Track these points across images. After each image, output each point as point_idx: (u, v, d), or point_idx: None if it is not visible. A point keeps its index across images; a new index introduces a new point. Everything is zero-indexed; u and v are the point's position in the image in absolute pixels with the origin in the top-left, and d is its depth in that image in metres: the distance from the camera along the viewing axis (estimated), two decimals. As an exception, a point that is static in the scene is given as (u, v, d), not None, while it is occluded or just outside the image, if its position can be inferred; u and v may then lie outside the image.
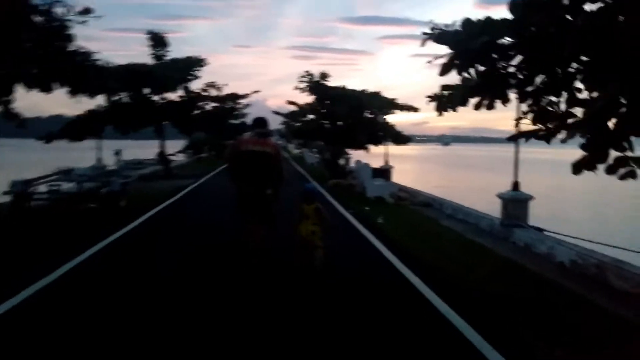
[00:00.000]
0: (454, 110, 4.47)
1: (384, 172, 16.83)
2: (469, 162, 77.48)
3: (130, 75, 18.03)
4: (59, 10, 9.87)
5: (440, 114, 4.56)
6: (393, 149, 23.24)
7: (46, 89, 10.33)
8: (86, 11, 10.16)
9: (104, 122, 18.85)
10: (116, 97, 19.16)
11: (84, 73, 10.57)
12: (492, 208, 10.32)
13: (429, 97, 4.59)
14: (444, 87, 4.45)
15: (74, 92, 11.48)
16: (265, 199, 5.69)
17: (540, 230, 8.68)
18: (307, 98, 25.37)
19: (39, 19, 9.67)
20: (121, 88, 18.77)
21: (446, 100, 4.45)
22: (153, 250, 7.30)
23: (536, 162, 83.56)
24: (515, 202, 8.96)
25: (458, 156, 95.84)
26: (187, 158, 39.21)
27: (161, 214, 10.61)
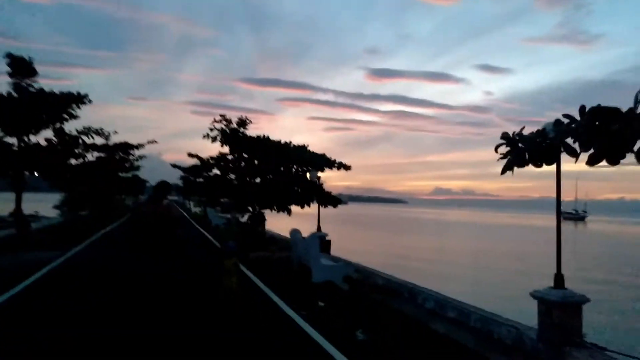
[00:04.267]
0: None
1: (326, 245, 13.32)
2: (381, 223, 77.64)
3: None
4: None
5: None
6: (299, 210, 19.81)
7: None
8: None
9: None
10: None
11: None
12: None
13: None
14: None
15: None
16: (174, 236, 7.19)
17: (602, 349, 5.78)
18: (217, 148, 21.44)
19: None
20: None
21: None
22: None
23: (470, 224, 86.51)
24: (565, 307, 6.00)
25: (364, 216, 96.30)
26: (62, 217, 32.25)
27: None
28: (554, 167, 5.66)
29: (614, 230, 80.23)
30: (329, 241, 13.47)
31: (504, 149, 4.74)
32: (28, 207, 31.62)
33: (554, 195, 5.62)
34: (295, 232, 11.34)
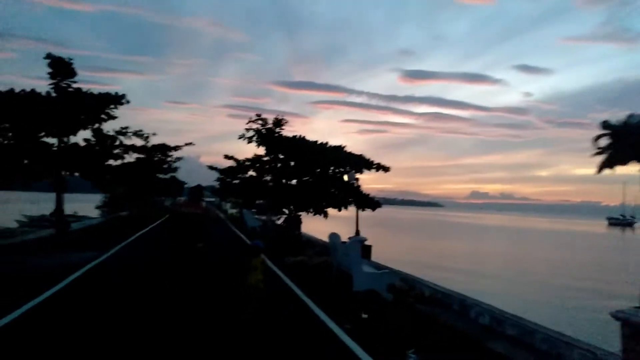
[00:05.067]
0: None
1: (366, 250, 12.63)
2: (417, 227, 76.03)
3: (12, 107, 13.01)
4: None
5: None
6: (335, 212, 19.07)
7: None
8: None
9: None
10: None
11: None
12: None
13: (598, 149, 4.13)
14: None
15: None
16: (196, 251, 7.27)
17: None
18: (253, 150, 21.15)
19: None
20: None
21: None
22: None
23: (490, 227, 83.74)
24: (657, 331, 5.14)
25: (399, 219, 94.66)
26: (102, 217, 32.89)
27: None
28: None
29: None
30: (370, 246, 12.77)
31: (602, 142, 3.96)
32: (71, 208, 32.41)
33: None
34: (334, 237, 10.72)
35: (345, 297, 8.68)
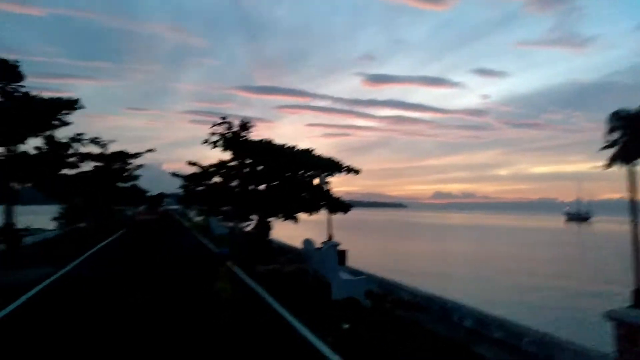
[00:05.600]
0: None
1: (342, 255, 12.16)
2: (384, 228, 76.45)
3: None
4: None
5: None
6: (305, 217, 18.61)
7: None
8: None
9: None
10: None
11: None
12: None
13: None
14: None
15: None
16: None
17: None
18: (218, 156, 20.50)
19: None
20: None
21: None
22: None
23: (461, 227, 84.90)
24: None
25: (366, 221, 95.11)
26: (60, 230, 31.10)
27: None
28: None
29: (620, 230, 78.88)
30: (344, 251, 12.37)
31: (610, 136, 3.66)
32: (25, 220, 30.51)
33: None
34: (308, 243, 10.27)
35: (324, 306, 8.24)
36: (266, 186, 17.62)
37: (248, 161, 17.47)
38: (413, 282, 11.50)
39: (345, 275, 8.87)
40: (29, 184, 17.16)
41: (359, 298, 8.51)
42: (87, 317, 7.31)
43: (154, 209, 8.49)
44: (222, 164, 23.43)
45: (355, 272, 10.18)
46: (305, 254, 10.27)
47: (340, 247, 12.46)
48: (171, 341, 6.05)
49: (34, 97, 14.48)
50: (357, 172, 17.56)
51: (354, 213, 18.04)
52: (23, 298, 8.78)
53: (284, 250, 17.30)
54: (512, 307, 15.07)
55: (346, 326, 7.01)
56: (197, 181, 38.94)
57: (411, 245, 42.71)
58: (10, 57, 14.87)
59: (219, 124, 17.27)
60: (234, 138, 17.27)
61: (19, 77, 14.79)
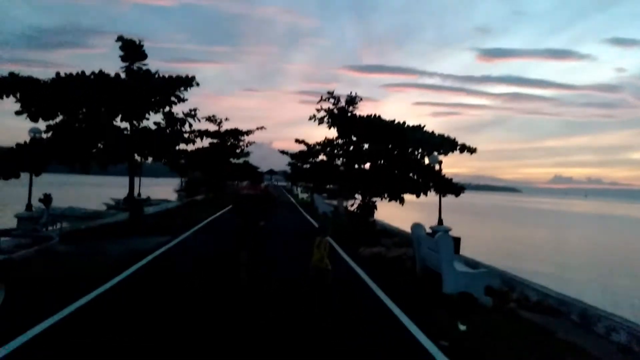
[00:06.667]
0: None
1: (455, 243, 11.00)
2: (498, 213, 71.80)
3: (86, 89, 12.88)
4: None
5: None
6: (412, 198, 17.30)
7: None
8: None
9: (45, 155, 13.40)
10: (60, 120, 13.87)
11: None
12: None
13: None
14: None
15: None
16: (258, 228, 7.60)
17: None
18: (324, 133, 20.06)
19: None
20: (73, 107, 13.63)
21: None
22: None
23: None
24: None
25: (476, 205, 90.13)
26: (179, 201, 33.71)
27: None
28: None
29: None
30: (458, 238, 11.17)
31: None
32: (152, 192, 33.58)
33: None
34: (418, 228, 9.32)
35: (434, 301, 7.32)
36: (371, 165, 16.85)
37: (354, 139, 16.79)
38: (533, 278, 9.99)
39: (461, 267, 7.82)
40: (152, 158, 18.32)
41: (476, 294, 7.43)
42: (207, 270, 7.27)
43: (256, 186, 8.54)
44: (328, 142, 23.13)
45: (471, 264, 9.04)
46: (415, 240, 9.34)
47: (452, 234, 11.29)
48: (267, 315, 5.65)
49: (154, 75, 15.28)
50: (473, 150, 16.01)
51: (462, 196, 16.53)
52: (134, 267, 9.16)
53: (388, 232, 16.47)
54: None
55: (463, 328, 6.06)
56: (303, 159, 39.63)
57: (531, 234, 39.09)
58: (145, 45, 15.69)
59: (326, 99, 16.77)
60: (341, 114, 16.68)
61: (143, 56, 15.70)
